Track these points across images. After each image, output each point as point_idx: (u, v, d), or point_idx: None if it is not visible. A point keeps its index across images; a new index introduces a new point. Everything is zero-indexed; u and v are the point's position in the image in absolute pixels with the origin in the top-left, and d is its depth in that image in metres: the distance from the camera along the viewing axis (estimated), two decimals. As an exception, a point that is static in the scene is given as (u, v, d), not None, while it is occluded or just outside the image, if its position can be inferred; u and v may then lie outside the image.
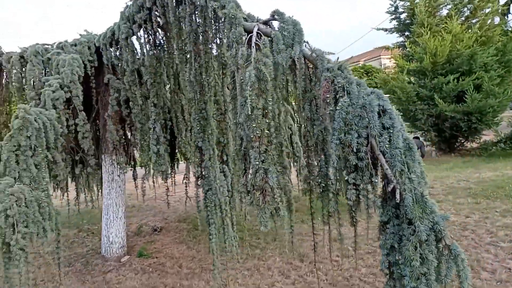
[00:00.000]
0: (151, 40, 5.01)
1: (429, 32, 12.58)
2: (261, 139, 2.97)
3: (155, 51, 5.12)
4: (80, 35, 5.80)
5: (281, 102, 3.45)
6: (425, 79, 12.72)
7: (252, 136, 2.97)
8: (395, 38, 29.70)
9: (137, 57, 5.18)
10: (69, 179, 6.45)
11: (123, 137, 5.60)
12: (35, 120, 4.32)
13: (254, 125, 2.95)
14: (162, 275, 5.40)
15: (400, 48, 14.85)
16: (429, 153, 13.99)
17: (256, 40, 3.23)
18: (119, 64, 5.41)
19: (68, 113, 5.15)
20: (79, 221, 8.70)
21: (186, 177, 5.88)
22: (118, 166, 5.73)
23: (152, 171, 5.41)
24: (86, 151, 5.16)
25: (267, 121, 3.04)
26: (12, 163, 4.11)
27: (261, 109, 2.99)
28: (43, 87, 5.06)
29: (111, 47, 5.48)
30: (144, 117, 5.10)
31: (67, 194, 6.69)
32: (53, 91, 4.93)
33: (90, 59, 5.58)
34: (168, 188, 5.73)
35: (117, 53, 5.39)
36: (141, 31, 5.14)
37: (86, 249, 6.85)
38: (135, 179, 6.42)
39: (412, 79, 13.35)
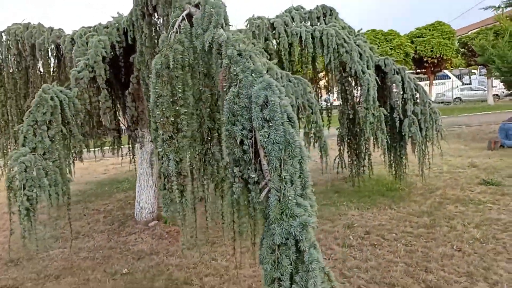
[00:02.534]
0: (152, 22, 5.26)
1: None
2: (165, 126, 3.03)
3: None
4: (112, 17, 6.34)
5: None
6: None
7: (157, 123, 3.05)
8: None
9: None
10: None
11: (142, 113, 6.06)
12: (51, 99, 4.90)
13: (158, 112, 3.01)
14: (172, 243, 5.86)
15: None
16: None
17: (178, 25, 3.23)
18: (140, 45, 5.79)
19: (93, 91, 5.76)
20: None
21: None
22: (138, 140, 6.26)
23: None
24: (106, 126, 5.77)
25: (177, 108, 3.07)
26: (30, 136, 4.77)
27: (167, 97, 3.03)
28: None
29: (133, 29, 5.89)
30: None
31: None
32: (79, 71, 5.52)
33: (118, 40, 6.08)
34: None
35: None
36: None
37: (132, 211, 7.69)
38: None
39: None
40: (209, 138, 3.48)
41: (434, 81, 32.21)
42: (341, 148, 8.07)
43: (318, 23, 7.38)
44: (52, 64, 7.51)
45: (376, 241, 5.28)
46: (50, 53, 7.28)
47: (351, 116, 7.10)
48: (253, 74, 2.73)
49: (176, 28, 3.18)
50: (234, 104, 2.69)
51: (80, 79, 5.53)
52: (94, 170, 13.59)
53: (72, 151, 6.62)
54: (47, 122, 4.89)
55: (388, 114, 7.06)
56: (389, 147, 7.62)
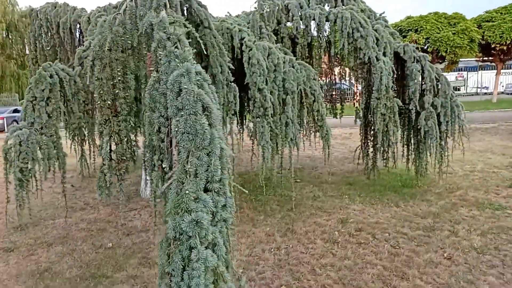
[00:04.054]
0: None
1: None
2: (102, 110, 3.01)
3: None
4: (122, -3, 6.42)
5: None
6: None
7: (97, 106, 3.04)
8: None
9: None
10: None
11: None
12: (50, 76, 5.09)
13: (95, 95, 3.00)
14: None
15: None
16: None
17: (126, 6, 3.16)
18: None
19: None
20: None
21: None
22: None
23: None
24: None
25: (116, 91, 3.04)
26: (29, 111, 5.01)
27: (105, 80, 3.00)
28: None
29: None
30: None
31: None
32: (83, 50, 5.69)
33: (126, 20, 6.17)
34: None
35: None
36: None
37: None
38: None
39: None
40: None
41: (503, 70, 29.65)
42: (363, 138, 7.71)
43: (336, 5, 6.96)
44: (76, 42, 7.82)
45: (365, 239, 4.99)
46: (72, 32, 7.58)
47: (362, 105, 6.69)
48: (176, 60, 2.61)
49: (123, 11, 3.12)
50: (154, 90, 2.60)
51: (84, 58, 5.68)
52: (132, 145, 14.15)
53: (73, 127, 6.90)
54: (46, 99, 5.05)
55: (407, 106, 6.59)
56: (408, 141, 7.15)
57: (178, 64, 2.59)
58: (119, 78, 2.99)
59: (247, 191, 3.16)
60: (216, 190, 2.42)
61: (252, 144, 5.88)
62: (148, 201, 6.83)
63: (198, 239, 2.24)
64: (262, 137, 5.45)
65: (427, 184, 7.29)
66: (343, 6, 6.79)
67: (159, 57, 2.68)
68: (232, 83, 5.32)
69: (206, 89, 2.55)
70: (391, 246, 4.76)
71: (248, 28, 6.28)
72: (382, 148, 7.08)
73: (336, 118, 8.09)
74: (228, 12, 7.14)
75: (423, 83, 6.38)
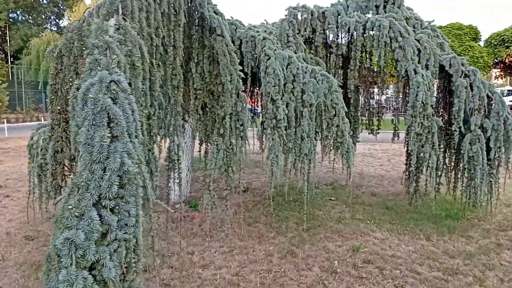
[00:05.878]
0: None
1: None
2: (53, 114, 3.05)
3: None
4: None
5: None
6: None
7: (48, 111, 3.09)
8: None
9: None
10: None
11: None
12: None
13: (47, 99, 3.05)
14: (179, 227, 5.95)
15: None
16: None
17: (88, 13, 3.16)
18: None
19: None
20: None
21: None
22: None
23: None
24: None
25: (68, 97, 3.06)
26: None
27: (57, 85, 3.04)
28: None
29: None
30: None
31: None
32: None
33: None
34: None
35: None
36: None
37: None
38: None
39: None
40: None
41: None
42: (407, 158, 6.97)
43: (378, 13, 6.37)
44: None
45: (368, 274, 4.42)
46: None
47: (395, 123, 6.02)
48: (98, 68, 2.52)
49: (84, 16, 3.14)
50: (74, 98, 2.54)
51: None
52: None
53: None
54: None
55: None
56: (456, 166, 6.27)
57: (100, 71, 2.50)
58: (70, 84, 3.01)
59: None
60: (110, 208, 2.28)
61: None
62: (174, 206, 6.91)
63: (73, 259, 2.11)
64: (271, 150, 5.18)
65: (479, 217, 6.30)
66: (385, 14, 6.19)
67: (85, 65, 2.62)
68: (242, 93, 5.14)
69: (120, 100, 2.42)
70: (395, 286, 4.15)
71: (275, 37, 6.04)
72: (424, 171, 6.29)
73: (373, 134, 7.41)
74: (265, 20, 6.97)
75: (472, 101, 5.52)
